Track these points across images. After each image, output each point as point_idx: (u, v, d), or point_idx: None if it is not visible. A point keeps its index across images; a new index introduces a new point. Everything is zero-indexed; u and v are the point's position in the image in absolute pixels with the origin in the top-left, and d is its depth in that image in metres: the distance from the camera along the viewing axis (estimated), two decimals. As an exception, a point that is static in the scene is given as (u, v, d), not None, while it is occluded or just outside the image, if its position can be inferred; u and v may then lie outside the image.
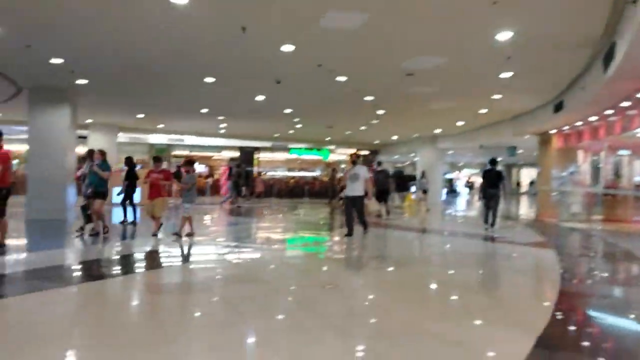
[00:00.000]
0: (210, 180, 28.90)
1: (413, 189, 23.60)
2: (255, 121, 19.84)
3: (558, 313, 4.66)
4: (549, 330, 4.09)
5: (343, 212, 9.60)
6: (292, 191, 27.59)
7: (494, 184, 12.03)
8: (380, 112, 16.43)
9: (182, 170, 9.97)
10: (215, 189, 27.62)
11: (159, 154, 17.90)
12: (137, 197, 12.06)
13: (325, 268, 7.27)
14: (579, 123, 14.35)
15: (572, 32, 7.72)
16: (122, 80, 12.08)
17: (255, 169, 27.79)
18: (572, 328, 4.41)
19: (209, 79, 11.57)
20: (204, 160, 29.73)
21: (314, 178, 30.90)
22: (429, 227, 13.63)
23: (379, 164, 16.25)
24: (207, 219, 14.42)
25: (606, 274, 7.20)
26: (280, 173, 31.73)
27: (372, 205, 11.85)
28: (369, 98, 13.82)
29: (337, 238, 10.08)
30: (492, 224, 11.78)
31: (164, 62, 10.09)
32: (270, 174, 30.78)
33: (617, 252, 9.38)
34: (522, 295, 5.72)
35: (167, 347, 3.57)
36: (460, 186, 46.59)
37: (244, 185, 21.91)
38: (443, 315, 4.59)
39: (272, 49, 8.86)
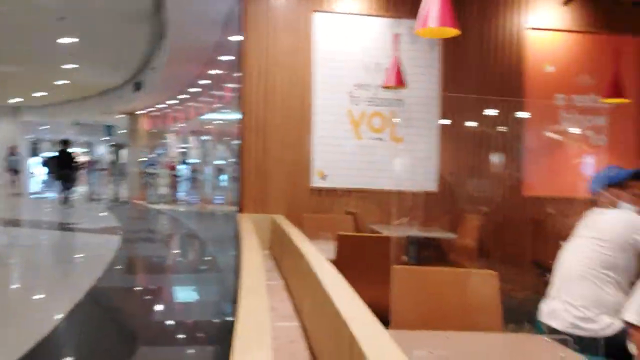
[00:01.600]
0: None
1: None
2: None
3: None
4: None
5: None
6: None
7: (65, 165, 12.65)
8: None
9: None
10: None
11: None
12: None
13: None
14: (163, 106, 14.43)
15: (123, 2, 7.09)
16: None
17: None
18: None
19: None
20: None
21: None
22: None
23: None
24: None
25: (160, 261, 7.07)
26: None
27: None
28: None
29: None
30: (66, 202, 12.52)
31: None
32: None
33: (183, 233, 9.64)
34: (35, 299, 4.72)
35: None
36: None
37: None
38: None
39: None
